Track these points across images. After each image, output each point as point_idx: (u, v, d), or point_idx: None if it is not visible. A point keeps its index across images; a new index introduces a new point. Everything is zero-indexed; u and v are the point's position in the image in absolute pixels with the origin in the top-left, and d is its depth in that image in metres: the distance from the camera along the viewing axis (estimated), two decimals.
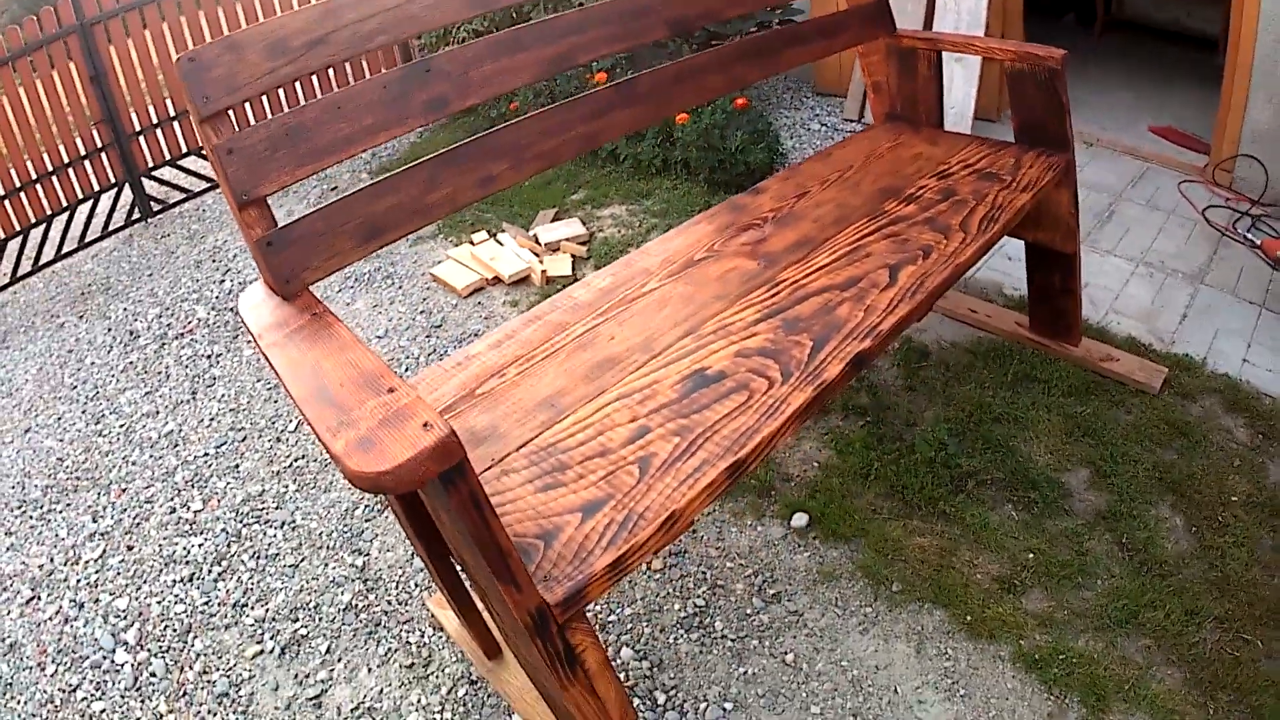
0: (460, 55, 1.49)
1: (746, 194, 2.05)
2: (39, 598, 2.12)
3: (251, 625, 1.96)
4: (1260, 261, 2.77)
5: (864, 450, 2.17)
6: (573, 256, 3.13)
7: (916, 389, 2.33)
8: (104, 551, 2.21)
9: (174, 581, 2.09)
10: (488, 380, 1.50)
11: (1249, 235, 2.88)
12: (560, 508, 1.23)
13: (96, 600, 2.08)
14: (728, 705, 1.67)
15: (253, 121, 3.82)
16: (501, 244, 3.22)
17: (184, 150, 3.80)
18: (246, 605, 2.01)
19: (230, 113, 1.32)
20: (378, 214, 1.42)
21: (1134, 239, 2.91)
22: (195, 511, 2.28)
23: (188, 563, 2.14)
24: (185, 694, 1.83)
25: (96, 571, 2.15)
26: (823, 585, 1.89)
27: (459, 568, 1.57)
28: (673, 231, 1.93)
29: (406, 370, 2.73)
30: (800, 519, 2.04)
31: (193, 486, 2.36)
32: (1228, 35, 4.11)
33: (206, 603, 2.03)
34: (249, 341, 2.93)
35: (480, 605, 1.69)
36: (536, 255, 3.16)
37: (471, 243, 3.27)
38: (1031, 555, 1.88)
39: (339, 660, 1.86)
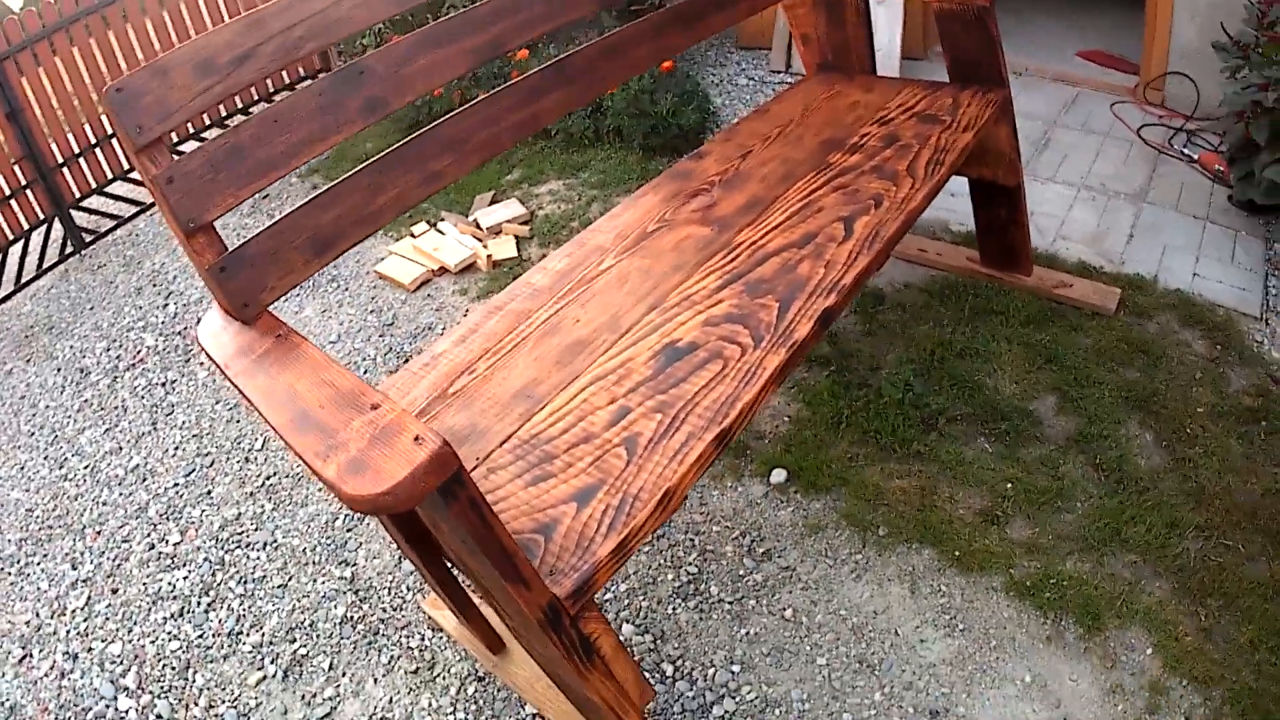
0: (390, 54, 1.45)
1: (689, 159, 2.04)
2: (30, 655, 2.07)
3: (249, 652, 1.94)
4: (1199, 175, 2.85)
5: (832, 400, 2.20)
6: (516, 238, 3.11)
7: (876, 333, 2.37)
8: (89, 598, 2.16)
9: (165, 619, 2.06)
10: (458, 378, 1.49)
11: (1185, 150, 2.95)
12: (554, 499, 1.23)
13: (89, 649, 2.03)
14: (735, 668, 1.70)
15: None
16: (443, 233, 3.18)
17: (109, 176, 3.66)
18: (241, 633, 1.99)
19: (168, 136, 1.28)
20: (325, 225, 1.39)
21: (1073, 164, 2.96)
22: (174, 544, 2.24)
23: (175, 597, 2.10)
24: None
25: (85, 620, 2.11)
26: (810, 538, 1.92)
27: (455, 571, 1.57)
28: (620, 205, 1.92)
29: (366, 373, 2.70)
30: (779, 475, 2.07)
31: (168, 519, 2.32)
32: None
33: (201, 635, 2.00)
34: (202, 363, 2.86)
35: (479, 602, 1.69)
36: (479, 240, 3.12)
37: (412, 235, 3.22)
38: (1010, 485, 1.93)
39: (343, 675, 1.86)
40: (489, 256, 2.99)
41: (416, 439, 0.93)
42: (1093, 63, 3.61)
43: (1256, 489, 1.83)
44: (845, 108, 2.12)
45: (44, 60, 3.33)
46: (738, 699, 1.65)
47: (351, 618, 1.97)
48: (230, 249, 1.30)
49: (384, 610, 1.97)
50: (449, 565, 1.58)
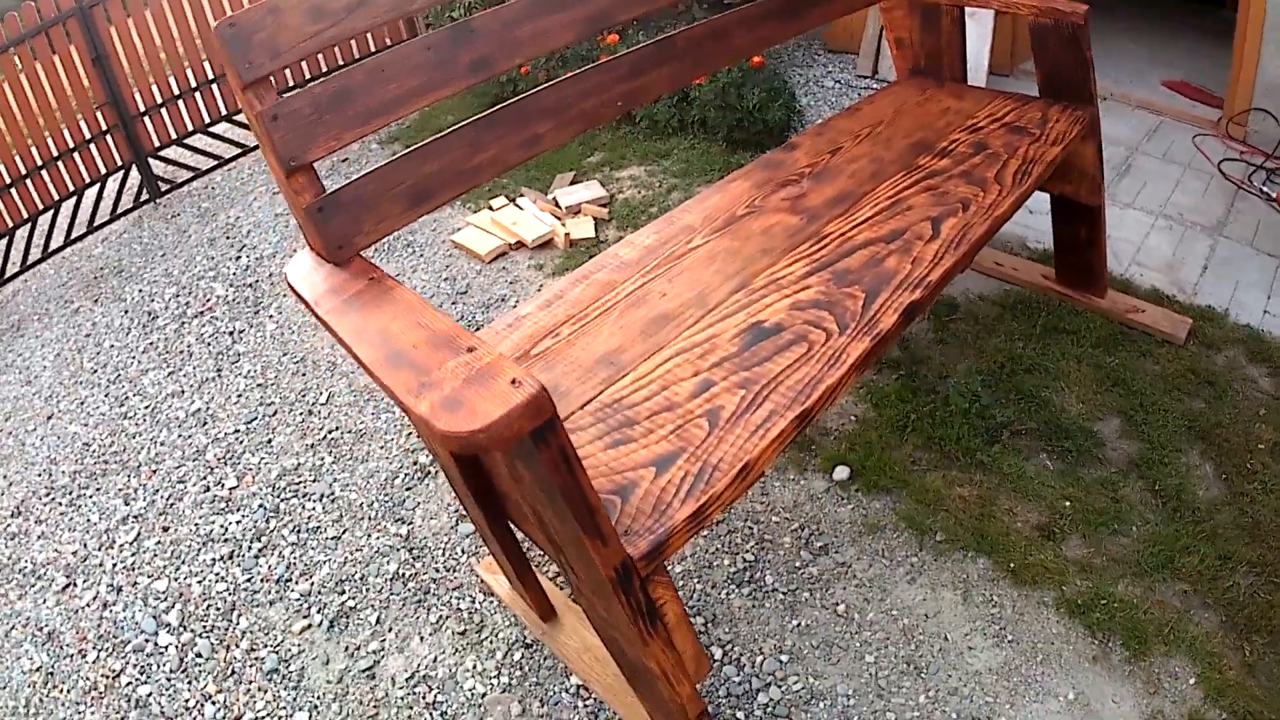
0: (501, 15, 1.47)
1: (779, 150, 2.04)
2: (75, 584, 2.12)
3: (297, 600, 1.97)
4: (1276, 214, 2.79)
5: (899, 403, 2.19)
6: (595, 219, 3.12)
7: (947, 341, 2.35)
8: (139, 534, 2.20)
9: (213, 560, 2.09)
10: (542, 340, 1.50)
11: (1264, 189, 2.89)
12: (632, 463, 1.23)
13: (134, 584, 2.08)
14: (783, 658, 1.69)
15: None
16: (522, 209, 3.20)
17: (190, 129, 3.75)
18: (290, 580, 2.02)
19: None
20: (427, 177, 1.41)
21: (1152, 192, 2.91)
22: (230, 489, 2.28)
23: (226, 540, 2.14)
24: (233, 673, 1.83)
25: (133, 555, 2.15)
26: (868, 536, 1.91)
27: (517, 531, 1.58)
28: (709, 189, 1.92)
29: None
30: (842, 472, 2.05)
31: (225, 464, 2.36)
32: None
33: (249, 580, 2.04)
34: (272, 316, 2.91)
35: (537, 567, 1.70)
36: (558, 219, 3.14)
37: (490, 209, 3.25)
38: (1068, 503, 1.90)
39: (389, 630, 1.87)
40: (567, 235, 3.01)
41: (514, 382, 0.93)
42: (1177, 93, 3.55)
43: None
44: (936, 113, 2.10)
45: (132, 9, 3.42)
46: (784, 688, 1.64)
47: (403, 575, 1.99)
48: (328, 190, 1.31)
49: (436, 570, 1.98)
50: (511, 526, 1.59)
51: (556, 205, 3.21)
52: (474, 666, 1.78)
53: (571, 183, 3.37)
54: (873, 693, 1.62)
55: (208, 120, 3.78)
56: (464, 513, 2.11)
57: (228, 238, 3.40)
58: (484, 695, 1.71)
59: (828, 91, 3.82)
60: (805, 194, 1.84)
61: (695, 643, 1.24)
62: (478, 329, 2.70)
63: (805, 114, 3.60)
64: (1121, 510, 1.86)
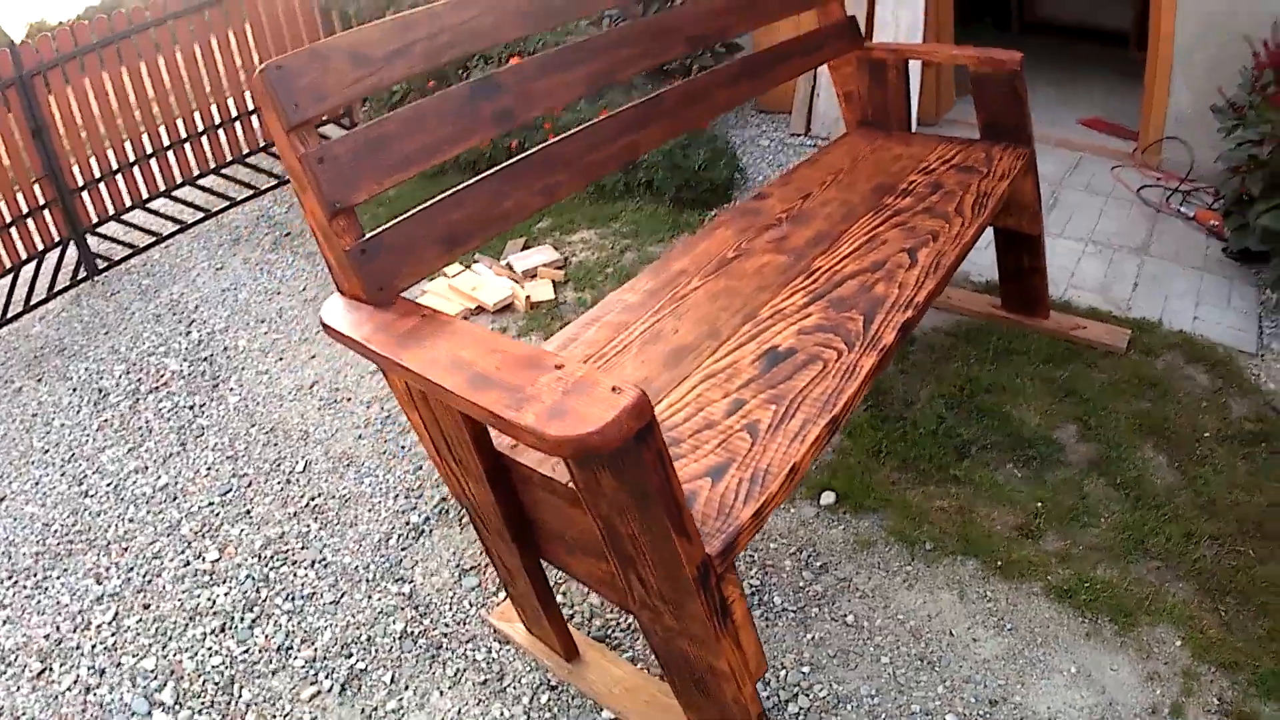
0: (520, 71, 1.57)
1: (752, 200, 2.19)
2: (50, 669, 1.99)
3: (302, 667, 1.92)
4: (1195, 231, 3.12)
5: (872, 431, 2.32)
6: (552, 281, 3.21)
7: (908, 371, 2.52)
8: (117, 613, 2.10)
9: (204, 634, 2.02)
10: None
11: (1182, 209, 3.23)
12: (688, 475, 1.30)
13: (118, 664, 1.97)
14: (805, 669, 1.76)
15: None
16: (478, 274, 3.26)
17: (129, 204, 3.67)
18: (291, 648, 1.96)
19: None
20: (457, 223, 1.47)
21: (1079, 222, 3.22)
22: (212, 561, 2.21)
23: (215, 613, 2.07)
24: None
25: (113, 634, 2.05)
26: (862, 552, 2.01)
27: (548, 567, 1.60)
28: (694, 237, 2.04)
29: None
30: (828, 497, 2.16)
31: (203, 537, 2.28)
32: (1137, 30, 4.65)
33: (246, 651, 1.97)
34: (233, 389, 2.85)
35: (560, 602, 1.72)
36: (516, 283, 3.21)
37: (446, 275, 3.30)
38: (1040, 504, 2.06)
39: (406, 689, 1.84)
40: (527, 298, 3.08)
41: (614, 389, 1.00)
42: (1093, 129, 3.93)
43: (1263, 501, 2.00)
44: (889, 159, 2.31)
45: (73, 80, 3.37)
46: (810, 696, 1.70)
47: (412, 632, 1.96)
48: (368, 235, 1.36)
49: (446, 625, 1.97)
50: (540, 563, 1.62)
51: (512, 270, 3.29)
52: (501, 713, 1.77)
53: (523, 248, 3.46)
54: (894, 690, 1.70)
55: (146, 196, 3.71)
56: (467, 566, 2.11)
57: (174, 314, 3.33)
58: None
59: (764, 150, 4.07)
60: (787, 236, 1.99)
61: (757, 641, 1.31)
62: None
63: (747, 172, 3.83)
64: (1089, 505, 2.03)
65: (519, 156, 1.59)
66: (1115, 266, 2.93)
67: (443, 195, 1.47)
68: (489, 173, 1.54)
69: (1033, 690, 1.67)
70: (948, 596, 1.88)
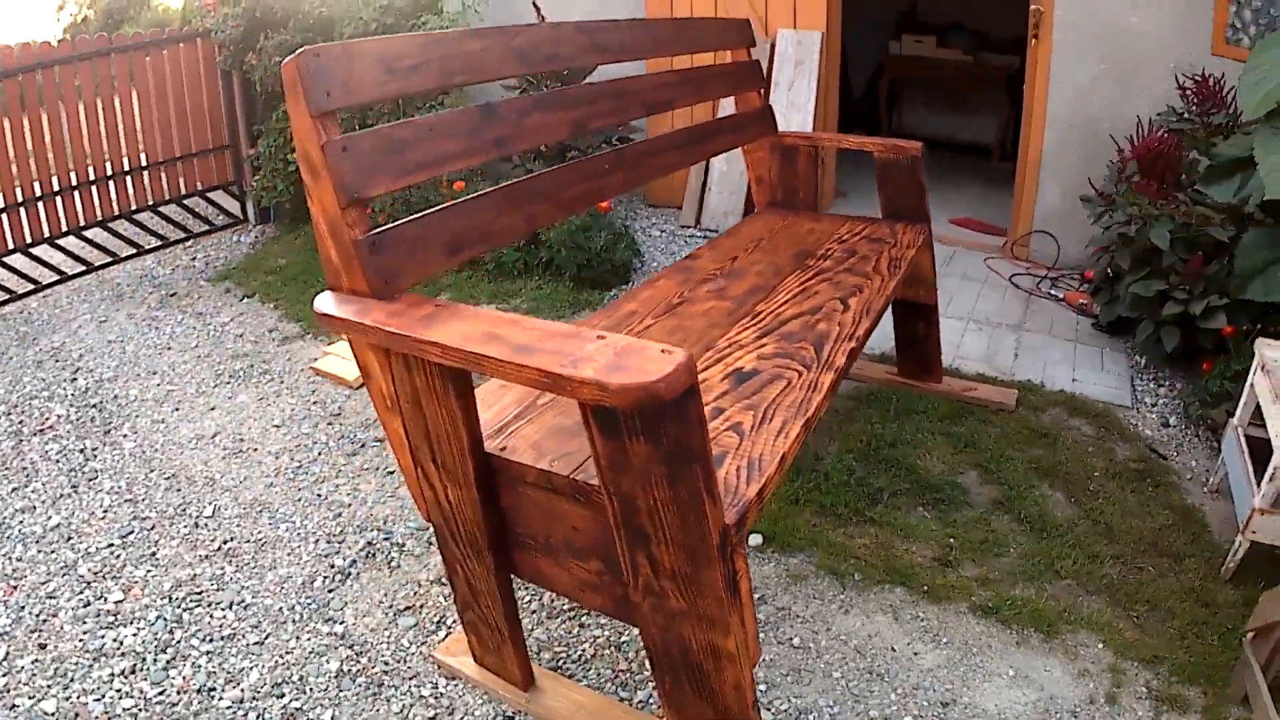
0: (517, 105, 1.70)
1: (685, 260, 2.37)
2: None
3: (228, 708, 1.77)
4: (1066, 310, 3.58)
5: (787, 483, 2.47)
6: None
7: (816, 430, 2.71)
8: (8, 653, 1.87)
9: (111, 675, 1.83)
10: (540, 397, 1.63)
11: (1052, 292, 3.70)
12: None
13: (12, 706, 1.75)
14: (761, 687, 1.81)
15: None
16: None
17: (10, 247, 3.41)
18: (214, 689, 1.82)
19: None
20: (460, 231, 1.54)
21: (959, 304, 3.62)
22: (116, 602, 2.02)
23: (123, 654, 1.89)
24: None
25: (3, 675, 1.82)
26: (796, 585, 2.12)
27: (534, 568, 1.60)
28: (638, 287, 2.18)
29: (320, 457, 2.63)
30: (755, 539, 2.27)
31: (104, 578, 2.09)
32: (999, 143, 5.32)
33: (162, 692, 1.80)
34: (127, 436, 2.66)
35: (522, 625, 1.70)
36: None
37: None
38: (953, 540, 2.26)
39: None
40: None
41: (664, 350, 1.10)
42: (964, 228, 4.45)
43: (1154, 525, 2.29)
44: (803, 232, 2.57)
45: None
46: (773, 710, 1.76)
47: (349, 671, 1.87)
48: (376, 229, 1.40)
49: (386, 663, 1.89)
50: (510, 579, 1.62)
51: None
52: None
53: None
54: (850, 699, 1.78)
55: (29, 240, 3.47)
56: (401, 607, 2.04)
57: (56, 360, 3.08)
58: None
59: (657, 239, 4.34)
60: (726, 287, 2.17)
61: (755, 623, 1.37)
62: (362, 447, 2.67)
63: (644, 257, 4.06)
64: (998, 538, 2.25)
65: (508, 182, 1.69)
66: (996, 340, 3.32)
67: (446, 205, 1.54)
68: (488, 190, 1.63)
69: (978, 692, 1.80)
70: (883, 619, 2.01)
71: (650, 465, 1.19)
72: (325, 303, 1.41)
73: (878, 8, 5.94)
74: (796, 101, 4.14)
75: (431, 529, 2.22)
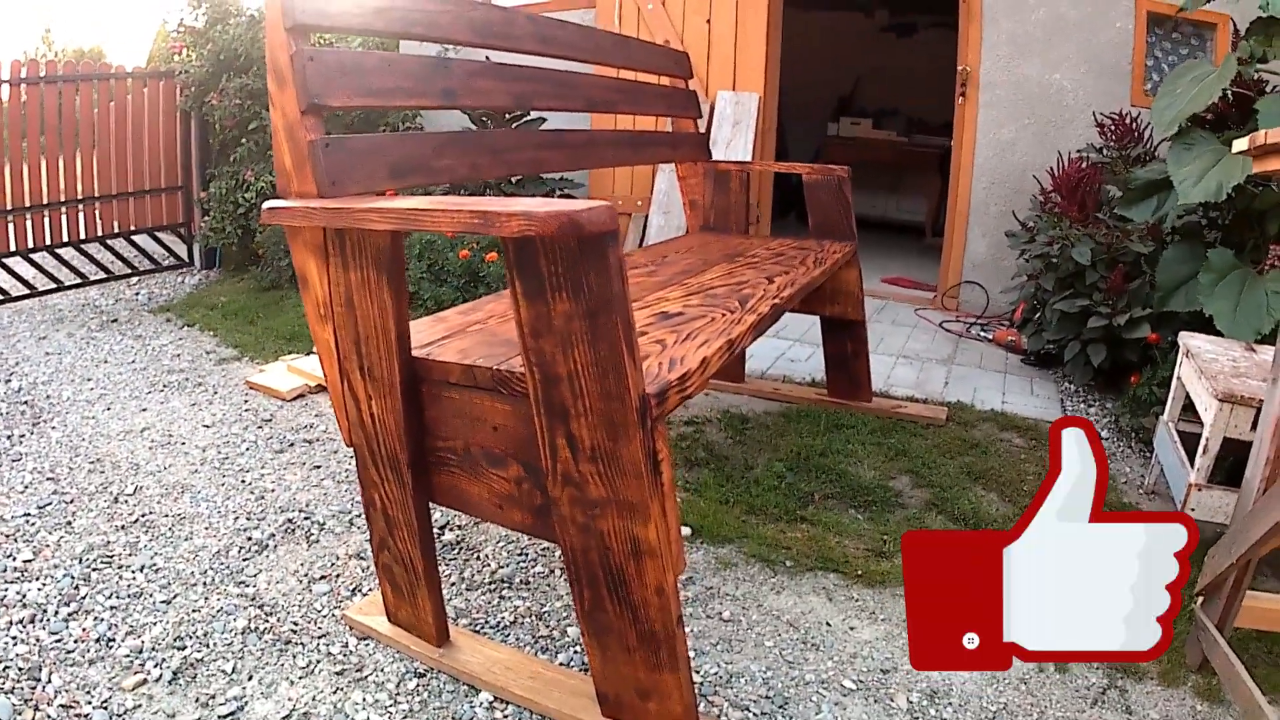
0: (469, 66, 1.82)
1: None
2: None
3: (125, 657, 1.68)
4: (995, 349, 3.72)
5: (718, 487, 2.47)
6: None
7: (745, 444, 2.75)
8: None
9: (8, 624, 1.73)
10: (473, 325, 1.68)
11: (983, 333, 3.85)
12: None
13: None
14: (691, 654, 1.77)
15: None
16: (317, 359, 3.25)
17: None
18: (113, 640, 1.72)
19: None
20: (404, 156, 1.61)
21: (890, 343, 3.76)
22: (25, 561, 1.93)
23: (24, 605, 1.79)
24: None
25: None
26: (725, 570, 2.10)
27: (455, 490, 1.58)
28: None
29: (250, 454, 2.58)
30: (685, 530, 2.26)
31: (15, 540, 2.01)
32: (931, 221, 5.63)
33: (59, 640, 1.70)
34: (55, 428, 2.60)
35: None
36: None
37: (285, 359, 3.26)
38: (886, 536, 2.26)
39: (249, 679, 1.66)
40: None
41: (588, 207, 1.15)
42: (896, 285, 4.66)
43: None
44: (735, 244, 2.70)
45: None
46: (702, 673, 1.71)
47: (256, 628, 1.79)
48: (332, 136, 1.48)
49: (295, 623, 1.81)
50: (429, 510, 1.61)
51: None
52: (364, 699, 1.62)
53: None
54: (784, 666, 1.75)
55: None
56: (317, 576, 1.98)
57: None
58: None
59: None
60: (656, 272, 2.25)
61: (679, 527, 1.38)
62: (291, 446, 2.64)
63: None
64: None
65: (458, 129, 1.79)
66: (926, 372, 3.44)
67: (394, 134, 1.63)
68: (435, 132, 1.73)
69: None
70: (816, 600, 1.99)
71: (571, 323, 1.23)
72: (274, 202, 1.46)
73: (818, 93, 6.42)
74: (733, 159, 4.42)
75: (353, 511, 2.19)
